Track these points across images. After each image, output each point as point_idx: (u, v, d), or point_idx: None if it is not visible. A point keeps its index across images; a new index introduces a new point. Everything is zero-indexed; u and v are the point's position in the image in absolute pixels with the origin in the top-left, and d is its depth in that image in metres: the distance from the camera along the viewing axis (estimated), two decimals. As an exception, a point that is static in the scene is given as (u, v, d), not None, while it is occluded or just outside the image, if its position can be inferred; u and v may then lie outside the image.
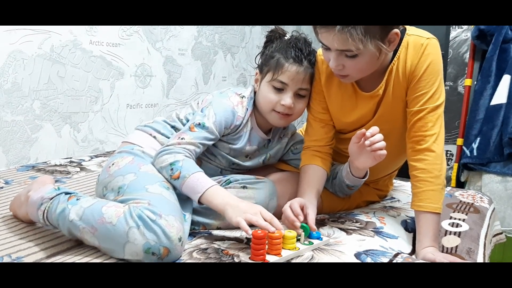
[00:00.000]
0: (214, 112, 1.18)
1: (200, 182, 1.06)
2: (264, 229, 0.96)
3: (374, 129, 1.05)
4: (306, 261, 0.95)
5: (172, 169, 1.08)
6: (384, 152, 1.06)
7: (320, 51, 1.21)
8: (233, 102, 1.23)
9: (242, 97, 1.25)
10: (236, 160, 1.28)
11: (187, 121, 1.25)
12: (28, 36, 1.76)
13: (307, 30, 1.27)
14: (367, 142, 1.05)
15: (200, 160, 1.25)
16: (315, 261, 0.95)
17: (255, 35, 2.97)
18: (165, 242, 0.91)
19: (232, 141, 1.25)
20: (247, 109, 1.25)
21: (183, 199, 1.13)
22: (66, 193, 1.03)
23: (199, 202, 1.06)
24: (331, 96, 1.23)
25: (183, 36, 2.46)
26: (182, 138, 1.14)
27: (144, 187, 1.02)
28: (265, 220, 0.98)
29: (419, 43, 1.11)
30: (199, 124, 1.17)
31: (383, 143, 1.05)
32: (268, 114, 1.23)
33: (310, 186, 1.19)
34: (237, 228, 1.12)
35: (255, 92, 1.28)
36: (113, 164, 1.14)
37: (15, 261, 0.91)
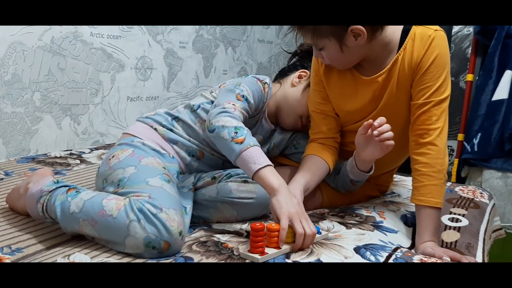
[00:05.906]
0: (251, 90, 1.21)
1: (262, 155, 1.04)
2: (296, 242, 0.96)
3: (381, 119, 1.05)
4: (305, 255, 0.95)
5: (236, 133, 1.05)
6: (392, 142, 1.06)
7: None
8: (260, 86, 1.27)
9: (264, 84, 1.29)
10: None
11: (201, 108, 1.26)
12: (28, 27, 1.75)
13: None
14: (375, 132, 1.04)
15: (202, 152, 1.25)
16: (314, 255, 0.95)
17: (256, 29, 2.96)
18: (166, 236, 0.90)
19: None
20: (267, 96, 1.29)
21: (184, 192, 1.13)
22: (65, 186, 1.03)
23: (254, 174, 1.02)
24: (331, 85, 1.22)
25: (184, 29, 2.45)
26: (234, 104, 1.14)
27: (145, 180, 1.02)
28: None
29: (426, 35, 1.10)
30: (243, 96, 1.18)
31: (391, 133, 1.05)
32: (292, 116, 1.30)
33: (300, 175, 1.17)
34: (236, 222, 1.13)
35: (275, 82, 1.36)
36: (113, 156, 1.13)
37: (15, 252, 0.92)
